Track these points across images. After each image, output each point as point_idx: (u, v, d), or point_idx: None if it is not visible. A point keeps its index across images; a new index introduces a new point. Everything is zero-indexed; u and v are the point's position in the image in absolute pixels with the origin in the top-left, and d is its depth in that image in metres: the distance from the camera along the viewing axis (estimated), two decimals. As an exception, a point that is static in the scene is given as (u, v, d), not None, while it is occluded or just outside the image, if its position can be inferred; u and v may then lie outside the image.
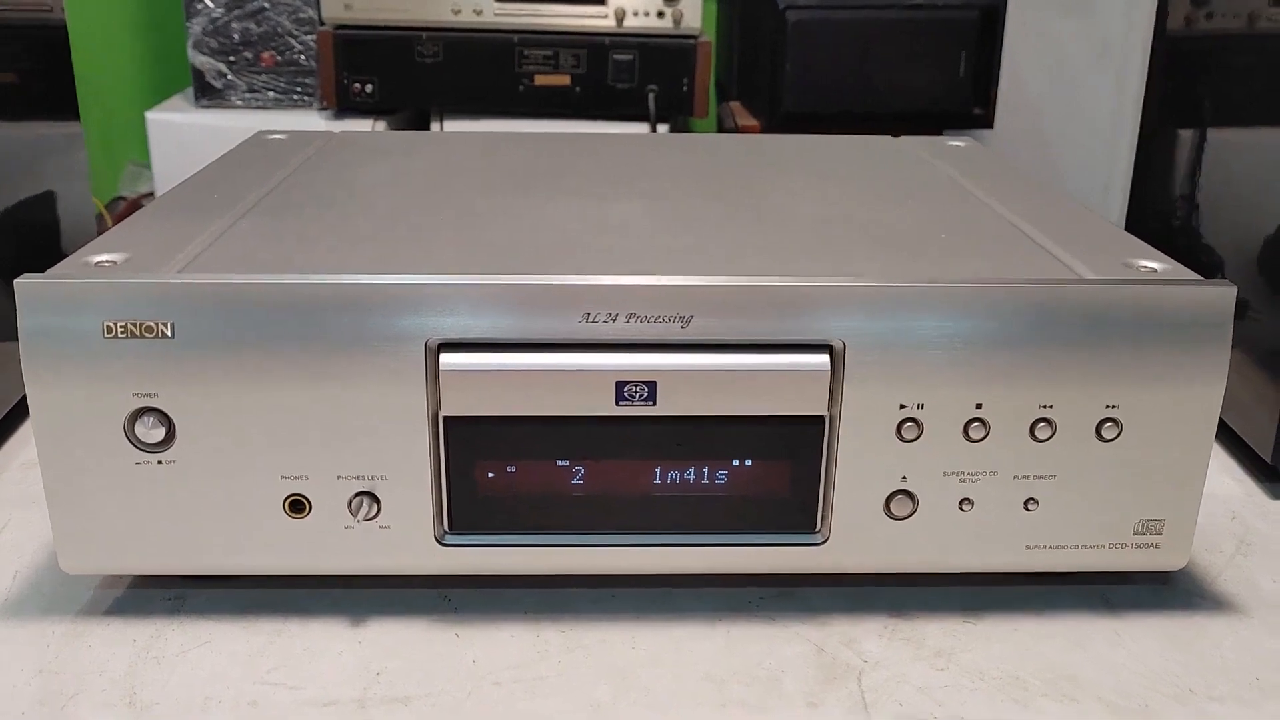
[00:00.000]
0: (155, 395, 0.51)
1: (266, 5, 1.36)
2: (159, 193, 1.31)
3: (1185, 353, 0.52)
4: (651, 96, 1.27)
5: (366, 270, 0.52)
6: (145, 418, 0.51)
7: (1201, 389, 0.53)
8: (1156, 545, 0.55)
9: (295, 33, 1.37)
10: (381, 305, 0.51)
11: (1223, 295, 0.52)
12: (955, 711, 0.50)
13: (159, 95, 1.54)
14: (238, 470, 0.52)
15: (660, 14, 1.26)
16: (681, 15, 1.26)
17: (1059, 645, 0.55)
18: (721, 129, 1.42)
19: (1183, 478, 0.54)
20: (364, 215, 0.61)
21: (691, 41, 1.26)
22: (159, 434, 0.51)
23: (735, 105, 1.38)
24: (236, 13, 1.36)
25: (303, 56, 1.37)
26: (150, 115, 1.34)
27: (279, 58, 1.38)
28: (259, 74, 1.38)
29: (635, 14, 1.26)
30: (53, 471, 0.52)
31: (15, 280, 0.50)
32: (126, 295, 0.50)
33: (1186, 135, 0.83)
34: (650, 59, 1.27)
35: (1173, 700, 0.51)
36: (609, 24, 1.25)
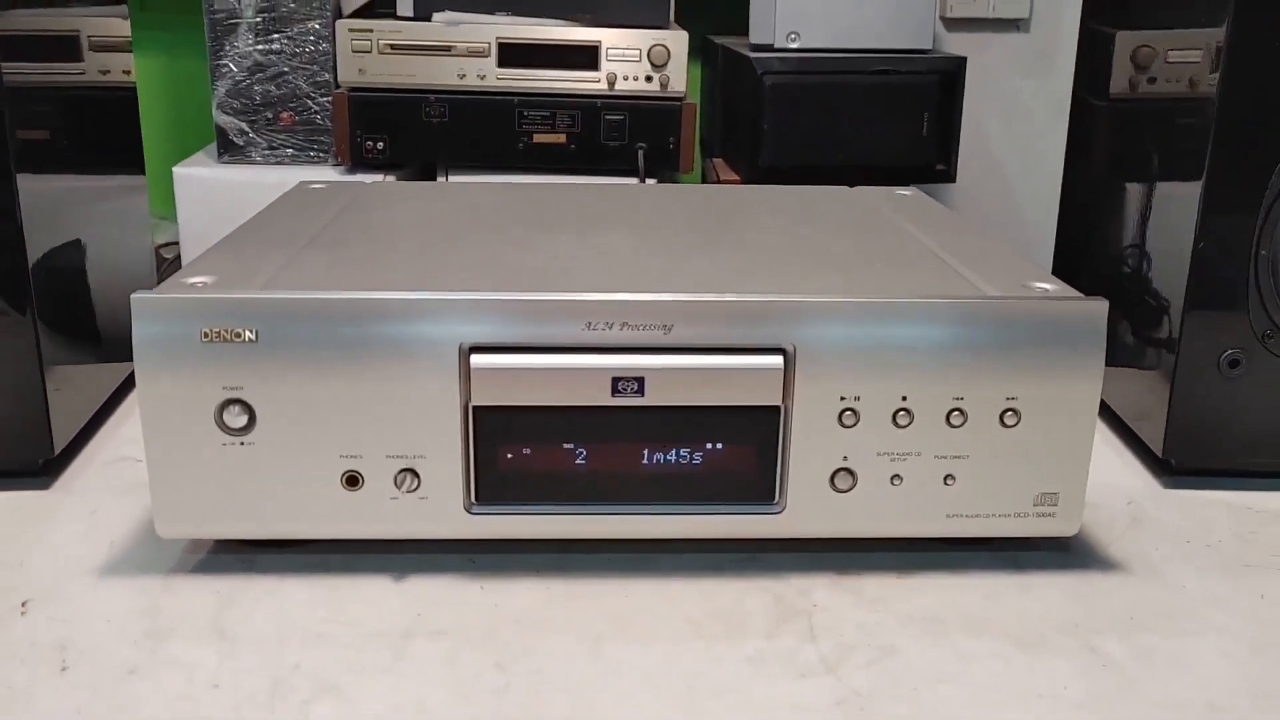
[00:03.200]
0: (241, 389, 0.63)
1: (286, 69, 1.49)
2: (183, 240, 1.42)
3: (1069, 354, 0.65)
4: (641, 153, 1.39)
5: (410, 288, 0.64)
6: (232, 407, 0.63)
7: (1083, 384, 0.65)
8: (1053, 514, 0.68)
9: (312, 94, 1.50)
10: (423, 316, 0.63)
11: (1097, 309, 0.65)
12: (886, 641, 0.62)
13: (180, 152, 1.66)
14: (305, 451, 0.64)
15: (649, 78, 1.38)
16: (668, 79, 1.38)
17: (974, 595, 0.67)
18: (705, 183, 1.55)
19: (1072, 457, 0.67)
20: (404, 246, 0.74)
21: (677, 103, 1.39)
22: (243, 421, 0.64)
23: (718, 161, 1.51)
24: (258, 76, 1.49)
25: (319, 116, 1.50)
26: (177, 170, 1.46)
27: (297, 117, 1.51)
28: (278, 132, 1.51)
29: (626, 78, 1.38)
30: (154, 452, 0.64)
31: (131, 295, 0.62)
32: (221, 308, 0.62)
33: (1092, 183, 0.96)
34: (639, 119, 1.39)
35: (1062, 634, 0.63)
36: (602, 87, 1.38)
